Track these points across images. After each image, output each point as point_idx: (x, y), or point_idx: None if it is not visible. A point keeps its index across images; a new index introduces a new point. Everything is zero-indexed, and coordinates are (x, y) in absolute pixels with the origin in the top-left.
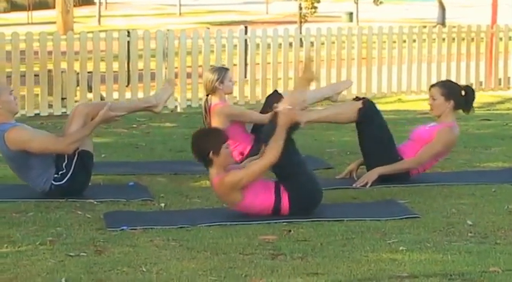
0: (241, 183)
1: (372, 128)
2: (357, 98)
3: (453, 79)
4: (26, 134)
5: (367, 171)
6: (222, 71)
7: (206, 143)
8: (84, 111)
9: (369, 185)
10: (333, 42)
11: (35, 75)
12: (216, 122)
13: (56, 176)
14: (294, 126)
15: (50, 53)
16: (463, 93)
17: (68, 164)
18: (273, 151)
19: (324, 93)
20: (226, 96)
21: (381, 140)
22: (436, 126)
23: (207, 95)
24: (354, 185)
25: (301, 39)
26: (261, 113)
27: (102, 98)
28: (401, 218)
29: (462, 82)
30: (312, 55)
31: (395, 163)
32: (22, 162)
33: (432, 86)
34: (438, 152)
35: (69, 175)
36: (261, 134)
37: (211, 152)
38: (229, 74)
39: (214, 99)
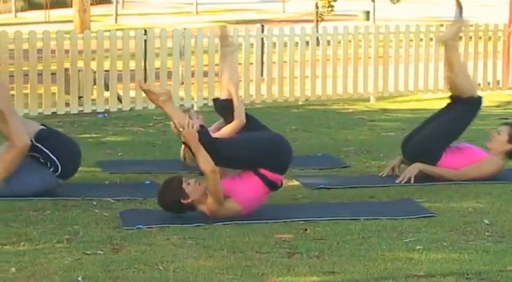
0: (219, 196)
1: (457, 117)
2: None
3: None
4: None
5: (406, 151)
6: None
7: (170, 199)
8: None
9: (412, 180)
10: (350, 41)
11: (52, 74)
12: None
13: (52, 170)
14: (200, 134)
15: (67, 51)
16: None
17: (44, 157)
18: (204, 164)
19: None
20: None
21: (449, 130)
22: (483, 152)
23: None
24: (396, 180)
25: (318, 38)
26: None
27: (119, 97)
28: (418, 217)
29: (479, 81)
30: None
31: (438, 167)
32: (14, 186)
33: (506, 123)
34: (480, 177)
35: (56, 160)
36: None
37: (181, 200)
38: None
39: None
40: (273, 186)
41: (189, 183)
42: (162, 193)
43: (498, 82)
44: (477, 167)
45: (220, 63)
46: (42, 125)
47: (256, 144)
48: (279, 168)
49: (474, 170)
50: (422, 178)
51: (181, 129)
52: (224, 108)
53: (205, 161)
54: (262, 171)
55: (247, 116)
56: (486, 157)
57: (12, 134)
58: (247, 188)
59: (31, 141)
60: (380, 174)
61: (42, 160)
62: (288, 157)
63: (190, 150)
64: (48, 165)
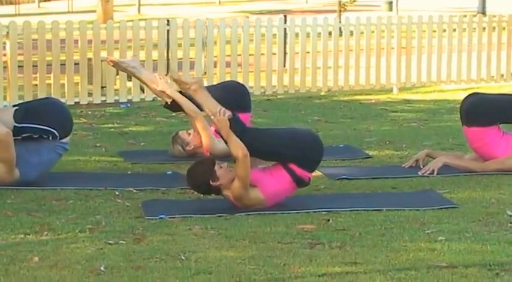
0: (246, 183)
1: None
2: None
3: (493, 69)
4: None
5: (465, 105)
6: (174, 140)
7: (200, 177)
8: None
9: (435, 172)
10: (373, 32)
11: (75, 64)
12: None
13: (51, 139)
14: (232, 122)
15: (89, 41)
16: None
17: (36, 131)
18: (237, 148)
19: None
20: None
21: (499, 108)
22: None
23: None
24: (419, 172)
25: (340, 28)
26: None
27: (141, 87)
28: (440, 208)
29: (502, 72)
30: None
31: (463, 161)
32: (28, 168)
33: None
34: (506, 170)
35: (47, 128)
36: None
37: (210, 181)
38: (178, 138)
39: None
40: (300, 182)
41: (221, 167)
42: (193, 171)
43: None
44: (502, 161)
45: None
46: (14, 105)
47: (288, 137)
48: (308, 164)
49: (499, 163)
50: (444, 169)
51: (212, 117)
52: (177, 108)
53: (237, 145)
54: (292, 166)
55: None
56: None
57: None
58: (274, 181)
59: (14, 126)
60: (403, 166)
61: (34, 136)
62: (319, 154)
63: (222, 137)
64: (44, 136)
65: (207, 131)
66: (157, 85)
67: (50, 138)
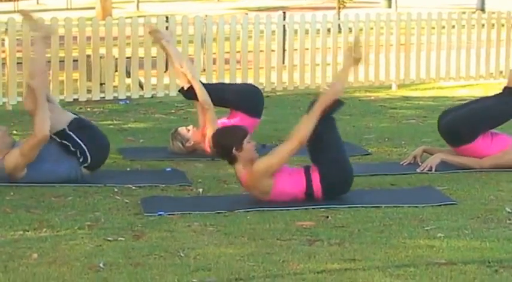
0: (272, 169)
1: (502, 107)
2: None
3: (492, 66)
4: (10, 158)
5: (442, 125)
6: (174, 136)
7: (228, 140)
8: (29, 107)
9: (433, 169)
10: (372, 28)
11: (74, 61)
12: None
13: (80, 160)
14: (335, 105)
15: (88, 38)
16: None
17: (74, 145)
18: (302, 131)
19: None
20: None
21: (488, 117)
22: (509, 139)
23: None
24: (417, 169)
25: (339, 25)
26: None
27: (140, 84)
28: (439, 205)
29: (501, 68)
30: (359, 37)
31: (460, 156)
32: (41, 174)
33: None
34: (502, 165)
35: (85, 150)
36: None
37: (234, 149)
38: (179, 134)
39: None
40: (310, 196)
41: (249, 142)
42: (224, 131)
43: None
44: (500, 156)
45: (167, 55)
46: (76, 114)
47: (344, 161)
48: (328, 188)
49: (497, 158)
50: (443, 165)
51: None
52: (191, 96)
53: (307, 130)
54: (315, 178)
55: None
56: (510, 145)
57: (36, 124)
58: (289, 182)
59: (64, 128)
60: (401, 163)
61: (72, 148)
62: (341, 192)
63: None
64: (78, 155)
65: (214, 124)
66: (182, 65)
67: (80, 160)
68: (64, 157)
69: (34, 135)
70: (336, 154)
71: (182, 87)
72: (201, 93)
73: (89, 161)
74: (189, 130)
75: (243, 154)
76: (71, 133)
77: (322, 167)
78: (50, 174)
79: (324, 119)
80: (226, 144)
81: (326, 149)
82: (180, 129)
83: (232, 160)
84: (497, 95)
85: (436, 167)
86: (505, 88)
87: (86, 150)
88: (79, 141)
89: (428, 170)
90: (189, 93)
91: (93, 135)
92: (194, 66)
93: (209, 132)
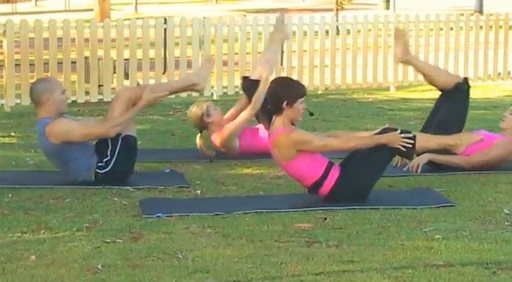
0: (307, 146)
1: (454, 107)
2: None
3: (490, 68)
4: (66, 123)
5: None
6: (202, 106)
7: (284, 91)
8: (126, 96)
9: (419, 170)
10: (370, 30)
11: (72, 62)
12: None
13: (100, 164)
14: (403, 152)
15: (87, 40)
16: None
17: (112, 150)
18: (351, 144)
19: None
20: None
21: (453, 121)
22: (498, 137)
23: (200, 132)
24: (404, 168)
25: (337, 26)
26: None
27: (138, 85)
28: (437, 207)
29: (500, 70)
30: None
31: (448, 155)
32: (64, 155)
33: None
34: (490, 161)
35: (113, 161)
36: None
37: (285, 102)
38: (211, 104)
39: (212, 132)
40: (316, 189)
41: (302, 103)
42: (284, 83)
43: (509, 72)
44: (487, 152)
45: (266, 45)
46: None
47: (367, 183)
48: (338, 191)
49: (484, 154)
50: (435, 168)
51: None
52: (250, 88)
53: (354, 147)
54: (332, 176)
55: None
56: (497, 140)
57: (114, 118)
58: (308, 165)
59: (121, 133)
60: (394, 164)
61: (105, 151)
62: (346, 201)
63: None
64: (103, 161)
65: (244, 124)
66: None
67: (99, 164)
68: (92, 153)
69: (106, 127)
70: (364, 175)
71: (248, 77)
72: (261, 97)
73: (105, 170)
74: (216, 109)
75: (290, 111)
76: (120, 141)
77: (342, 177)
78: (72, 160)
79: (378, 149)
80: (280, 94)
81: (360, 162)
82: (210, 103)
83: (278, 111)
84: (440, 100)
85: (422, 167)
86: (443, 92)
87: (112, 163)
88: (116, 152)
89: (415, 170)
90: (250, 86)
91: (130, 161)
92: (272, 69)
93: (227, 131)
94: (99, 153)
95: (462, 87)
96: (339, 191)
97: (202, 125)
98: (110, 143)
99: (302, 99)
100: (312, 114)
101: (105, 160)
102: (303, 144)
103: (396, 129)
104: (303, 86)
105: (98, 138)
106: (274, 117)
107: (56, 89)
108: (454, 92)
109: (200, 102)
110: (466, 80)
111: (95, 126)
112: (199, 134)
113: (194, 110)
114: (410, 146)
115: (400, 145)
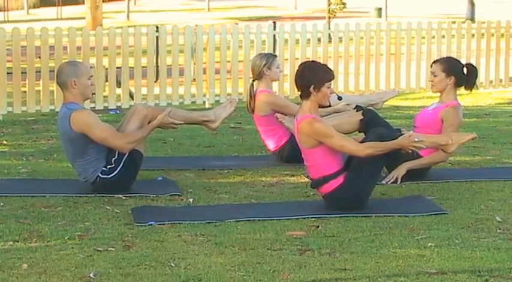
0: (326, 140)
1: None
2: (357, 107)
3: (482, 75)
4: (91, 118)
5: (388, 171)
6: (270, 58)
7: (312, 75)
8: (143, 113)
9: (399, 181)
10: (362, 38)
11: None
12: (258, 108)
13: (104, 169)
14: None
15: (79, 48)
16: (465, 70)
17: (117, 160)
18: (368, 150)
19: (370, 100)
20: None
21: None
22: (439, 107)
23: (253, 81)
24: (383, 181)
25: (329, 34)
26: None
27: (131, 94)
28: (429, 214)
29: (491, 78)
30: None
31: (423, 158)
32: (80, 146)
33: (434, 62)
34: (453, 131)
35: (116, 171)
36: None
37: (312, 86)
38: (277, 61)
39: (260, 85)
40: (320, 184)
41: (329, 88)
42: (312, 67)
43: (510, 79)
44: (443, 130)
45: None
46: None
47: (365, 194)
48: (337, 195)
49: (443, 136)
50: (434, 175)
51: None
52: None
53: (371, 153)
54: (340, 177)
55: None
56: (442, 111)
57: (131, 135)
58: (325, 159)
59: (130, 147)
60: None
61: (110, 158)
62: (340, 207)
63: None
64: (107, 167)
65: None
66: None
67: (104, 168)
68: (103, 156)
69: (122, 141)
70: (364, 182)
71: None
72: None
73: (107, 176)
74: (278, 67)
75: (317, 95)
76: (126, 154)
77: (346, 182)
78: (85, 156)
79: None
80: (309, 78)
81: (360, 170)
82: (277, 59)
83: (305, 95)
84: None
85: (402, 177)
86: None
87: (115, 173)
88: (123, 162)
89: (393, 182)
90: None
91: (130, 175)
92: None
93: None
94: (106, 158)
95: (367, 121)
96: (339, 194)
97: (258, 74)
98: (116, 152)
99: (329, 83)
100: (340, 98)
101: (109, 167)
102: (323, 137)
103: (362, 109)
104: (330, 69)
105: (110, 147)
106: (302, 101)
107: (83, 74)
108: (368, 127)
109: (268, 55)
110: (364, 111)
111: (113, 136)
112: (251, 83)
113: (259, 58)
114: (419, 149)
115: (411, 147)
